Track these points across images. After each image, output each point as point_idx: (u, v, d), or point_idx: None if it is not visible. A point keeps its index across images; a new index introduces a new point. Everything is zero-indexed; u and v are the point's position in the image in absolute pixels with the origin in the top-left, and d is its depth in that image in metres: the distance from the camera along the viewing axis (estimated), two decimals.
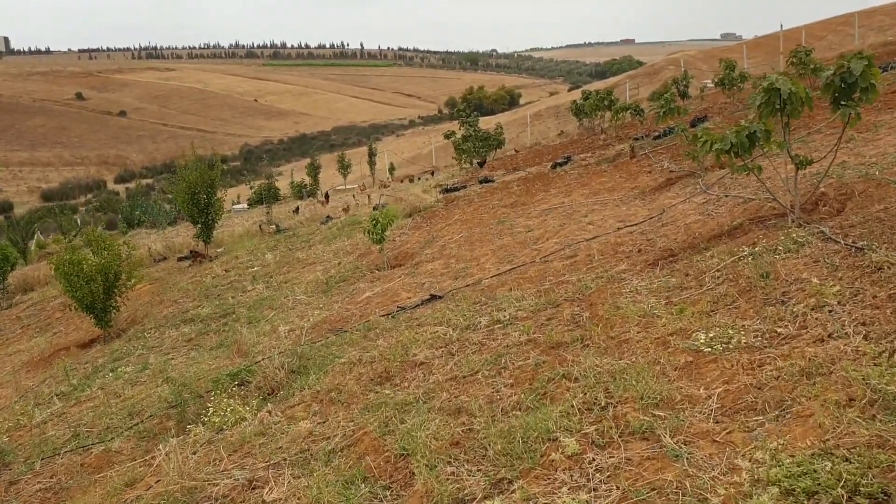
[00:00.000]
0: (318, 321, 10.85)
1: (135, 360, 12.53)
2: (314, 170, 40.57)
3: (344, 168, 46.47)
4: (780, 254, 7.02)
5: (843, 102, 7.73)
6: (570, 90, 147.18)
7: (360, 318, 10.15)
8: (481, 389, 5.74)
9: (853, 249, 6.44)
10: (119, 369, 12.09)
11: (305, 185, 41.52)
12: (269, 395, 7.96)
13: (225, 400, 7.44)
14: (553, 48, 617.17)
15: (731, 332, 5.50)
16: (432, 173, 34.65)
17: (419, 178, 35.82)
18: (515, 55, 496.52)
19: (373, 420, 5.77)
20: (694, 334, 5.62)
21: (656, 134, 21.06)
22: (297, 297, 13.33)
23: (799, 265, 6.54)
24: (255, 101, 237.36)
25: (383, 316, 9.69)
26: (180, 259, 22.71)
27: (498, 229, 13.81)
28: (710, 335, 5.50)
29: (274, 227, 23.52)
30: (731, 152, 8.33)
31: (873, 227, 6.89)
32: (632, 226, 11.18)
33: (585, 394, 4.91)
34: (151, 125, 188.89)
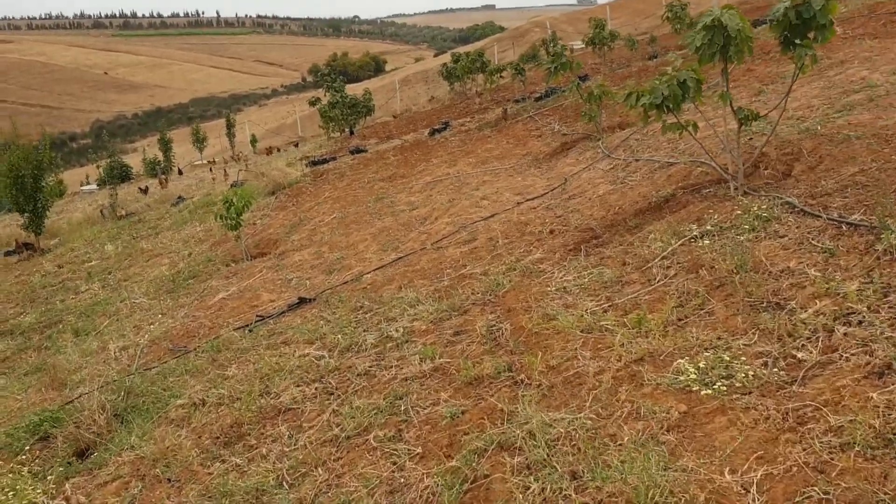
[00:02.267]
0: (157, 335, 8.66)
1: None
2: (165, 145, 36.99)
3: (199, 142, 42.87)
4: (743, 233, 5.50)
5: (797, 42, 6.27)
6: (436, 55, 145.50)
7: (210, 331, 8.05)
8: (375, 466, 3.89)
9: (848, 227, 4.96)
10: None
11: (159, 161, 38.00)
12: (80, 455, 5.81)
13: (9, 476, 5.26)
14: (415, 14, 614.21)
15: (725, 357, 3.88)
16: (296, 144, 32.12)
17: (284, 150, 33.20)
18: (378, 21, 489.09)
19: None
20: (674, 363, 3.96)
21: (537, 95, 19.60)
22: (137, 300, 10.99)
23: (778, 250, 5.02)
24: (106, 74, 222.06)
25: (238, 329, 7.64)
26: (7, 254, 19.51)
27: (376, 208, 11.90)
28: (700, 364, 3.86)
29: (123, 211, 20.58)
30: (662, 106, 6.76)
31: (858, 196, 5.45)
32: (532, 199, 9.55)
33: (541, 487, 3.14)
34: None
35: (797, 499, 2.73)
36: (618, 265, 5.92)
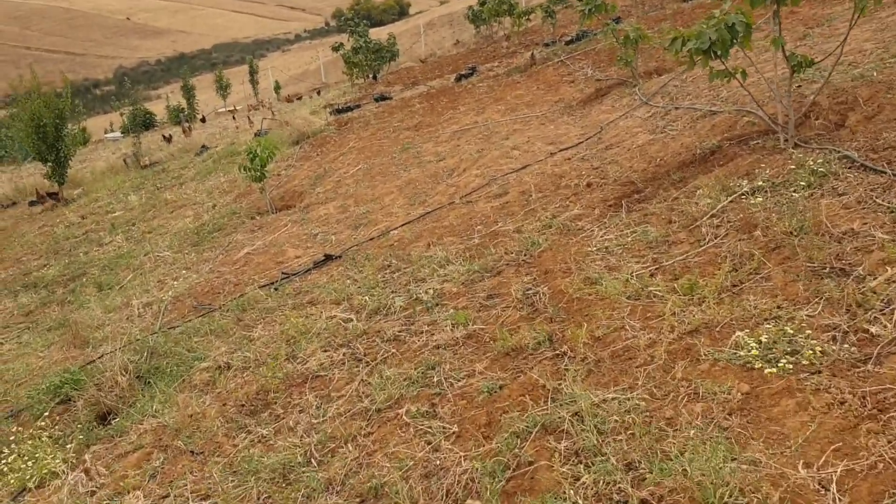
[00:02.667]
0: (181, 291, 8.46)
1: None
2: (188, 92, 36.57)
3: (223, 89, 42.38)
4: (798, 190, 5.11)
5: None
6: None
7: (235, 288, 7.83)
8: (409, 444, 3.64)
9: None
10: None
11: (183, 109, 37.68)
12: (101, 420, 5.65)
13: (29, 442, 5.10)
14: None
15: (788, 329, 3.55)
16: (319, 92, 31.58)
17: (309, 97, 32.69)
18: None
19: None
20: (732, 335, 3.64)
21: (568, 39, 18.94)
22: (161, 254, 10.81)
23: (838, 209, 4.64)
24: (128, 19, 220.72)
25: (263, 286, 7.40)
26: (31, 203, 19.48)
27: (403, 158, 11.54)
28: (762, 338, 3.53)
29: (147, 161, 20.34)
30: (709, 52, 6.31)
31: None
32: (566, 149, 9.15)
33: (593, 479, 2.85)
34: (12, 49, 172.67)
35: (885, 501, 2.43)
36: (663, 223, 5.57)
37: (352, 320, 5.49)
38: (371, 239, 7.94)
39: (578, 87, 12.81)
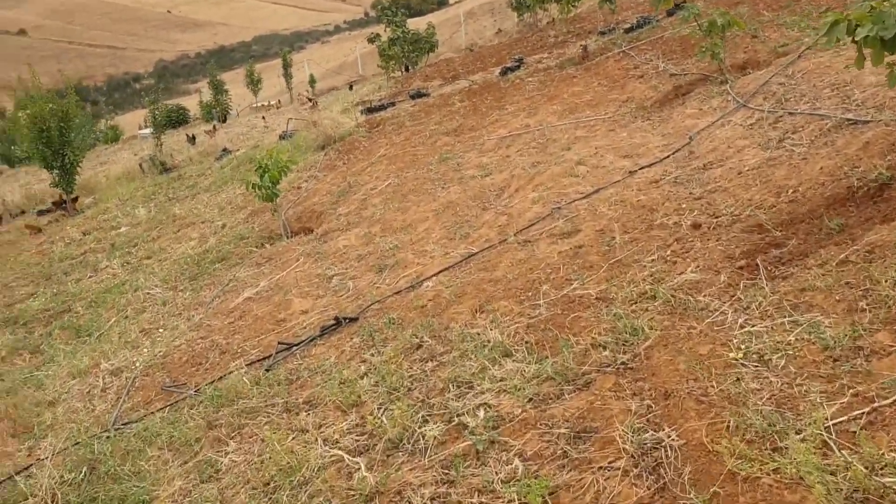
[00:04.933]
0: (157, 356, 6.65)
1: None
2: (217, 88, 34.79)
3: (254, 84, 40.58)
4: None
5: None
6: None
7: (220, 359, 5.99)
8: None
9: None
10: None
11: (214, 105, 36.03)
12: None
13: None
14: None
15: None
16: (350, 86, 29.66)
17: (348, 89, 30.77)
18: None
19: None
20: None
21: (627, 26, 16.76)
22: (153, 291, 9.04)
23: None
24: (169, 12, 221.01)
25: (253, 364, 5.54)
26: (40, 213, 17.95)
27: (440, 171, 9.58)
28: None
29: (163, 165, 18.59)
30: (890, 42, 4.26)
31: None
32: (649, 166, 7.13)
33: None
34: (55, 44, 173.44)
35: None
36: (840, 309, 3.56)
37: (359, 467, 3.57)
38: (398, 293, 6.02)
39: (650, 83, 10.70)
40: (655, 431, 3.13)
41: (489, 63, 18.59)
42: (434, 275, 6.13)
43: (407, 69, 24.83)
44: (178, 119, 37.28)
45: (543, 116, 10.73)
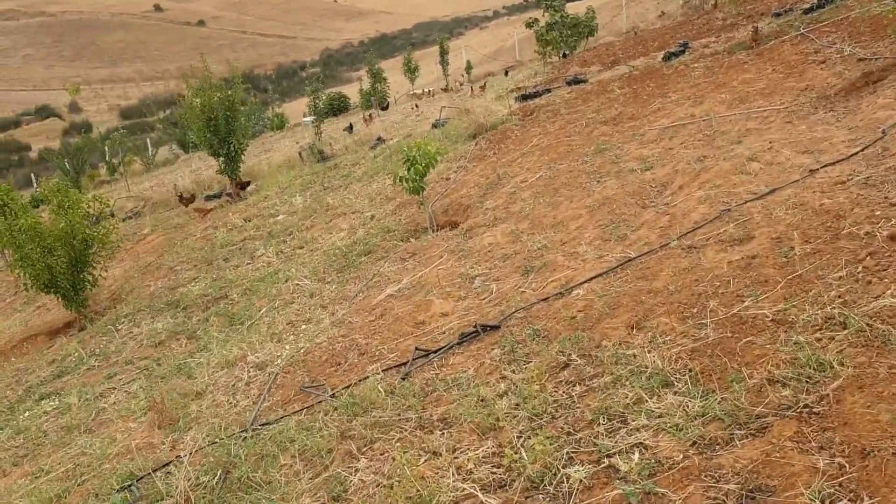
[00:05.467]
0: (299, 353, 6.57)
1: (77, 382, 8.70)
2: (374, 75, 35.24)
3: (411, 71, 40.87)
4: None
5: None
6: None
7: (358, 360, 5.80)
8: None
9: None
10: (43, 402, 8.31)
11: (373, 94, 36.61)
12: None
13: None
14: None
15: None
16: (506, 72, 29.21)
17: (505, 75, 30.40)
18: None
19: None
20: None
21: (806, 6, 15.32)
22: (302, 282, 9.08)
23: None
24: (335, 1, 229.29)
25: (389, 370, 5.30)
26: (208, 198, 18.82)
27: (596, 164, 9.02)
28: None
29: (322, 154, 18.93)
30: None
31: None
32: (834, 163, 6.30)
33: None
34: (230, 34, 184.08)
35: None
36: None
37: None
38: (544, 299, 5.59)
39: (834, 69, 9.61)
40: (852, 502, 2.56)
41: (651, 48, 17.63)
42: (585, 281, 5.65)
43: (565, 54, 24.13)
44: (339, 107, 38.17)
45: (710, 106, 9.89)
